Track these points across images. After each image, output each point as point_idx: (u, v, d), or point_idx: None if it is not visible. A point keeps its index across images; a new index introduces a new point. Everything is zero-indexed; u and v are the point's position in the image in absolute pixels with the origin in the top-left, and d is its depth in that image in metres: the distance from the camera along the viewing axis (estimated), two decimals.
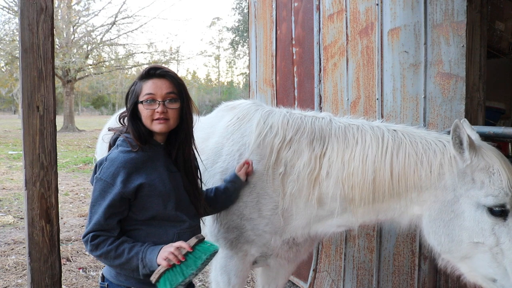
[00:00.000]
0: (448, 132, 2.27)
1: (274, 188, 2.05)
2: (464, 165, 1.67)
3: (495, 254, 1.60)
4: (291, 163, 2.01)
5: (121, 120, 1.82)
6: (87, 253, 4.61)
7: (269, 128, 2.09)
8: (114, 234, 1.62)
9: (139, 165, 1.65)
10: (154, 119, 1.68)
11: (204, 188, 2.06)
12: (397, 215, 1.87)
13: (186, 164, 1.83)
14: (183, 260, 1.53)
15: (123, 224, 1.67)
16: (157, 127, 1.70)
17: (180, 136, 1.79)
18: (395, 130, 1.90)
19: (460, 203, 1.67)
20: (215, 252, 1.60)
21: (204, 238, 1.62)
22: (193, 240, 1.57)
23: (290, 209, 2.05)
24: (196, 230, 1.81)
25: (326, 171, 1.93)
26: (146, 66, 1.80)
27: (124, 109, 1.84)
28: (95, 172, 1.68)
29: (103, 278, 1.76)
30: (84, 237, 1.62)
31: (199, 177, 1.93)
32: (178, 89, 1.74)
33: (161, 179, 1.69)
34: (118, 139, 1.74)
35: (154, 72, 1.71)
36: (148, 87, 1.68)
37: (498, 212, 1.59)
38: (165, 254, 1.53)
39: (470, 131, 1.83)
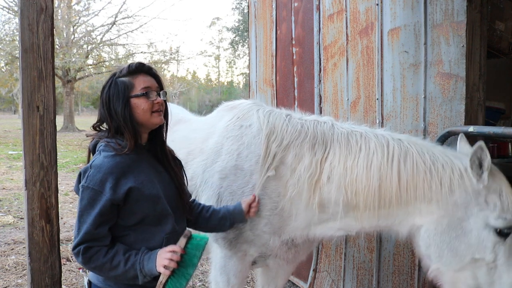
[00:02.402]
0: (448, 133, 2.28)
1: (272, 189, 2.05)
2: (480, 186, 1.71)
3: (490, 269, 1.68)
4: (292, 167, 2.00)
5: (97, 128, 1.75)
6: None
7: (272, 130, 2.09)
8: (106, 242, 1.58)
9: (125, 169, 1.60)
10: (153, 111, 1.68)
11: (201, 199, 2.08)
12: (397, 223, 1.88)
13: (169, 157, 1.83)
14: (180, 261, 1.54)
15: (111, 231, 1.62)
16: (157, 119, 1.69)
17: (164, 129, 1.80)
18: (400, 139, 1.90)
19: (469, 221, 1.71)
20: (206, 244, 1.60)
21: (191, 234, 1.60)
22: (182, 241, 1.57)
23: (289, 210, 2.05)
24: (182, 232, 1.78)
25: (327, 176, 1.92)
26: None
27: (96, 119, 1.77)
28: (79, 181, 1.61)
29: (89, 284, 1.71)
30: (74, 248, 1.55)
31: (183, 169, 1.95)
32: (161, 83, 1.77)
33: (150, 181, 1.65)
34: (99, 145, 1.67)
35: (142, 68, 1.71)
36: (142, 81, 1.68)
37: (504, 233, 1.66)
38: (163, 262, 1.52)
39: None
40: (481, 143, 1.65)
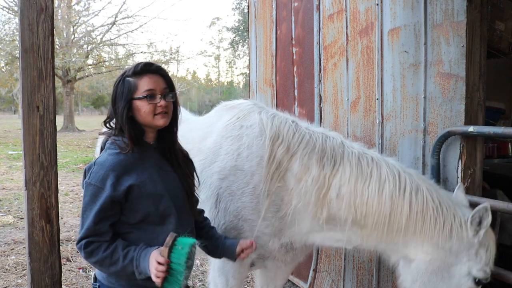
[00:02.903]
0: (448, 133, 2.28)
1: (274, 191, 2.04)
2: (475, 240, 1.81)
3: None
4: (298, 176, 2.00)
5: (107, 124, 1.76)
6: None
7: (277, 134, 2.08)
8: (106, 238, 1.59)
9: (128, 167, 1.62)
10: (155, 114, 1.67)
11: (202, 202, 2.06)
12: (394, 250, 1.96)
13: (180, 156, 1.82)
14: (169, 268, 1.51)
15: (115, 227, 1.64)
16: (160, 121, 1.68)
17: (173, 129, 1.79)
18: (410, 173, 1.95)
19: (456, 268, 1.85)
20: (192, 250, 1.54)
21: (173, 242, 1.53)
22: (165, 251, 1.51)
23: (292, 216, 2.04)
24: (185, 232, 1.74)
25: (336, 193, 1.94)
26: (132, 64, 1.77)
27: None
28: (85, 177, 1.64)
29: (95, 278, 1.75)
30: (77, 243, 1.60)
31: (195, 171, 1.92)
32: (170, 83, 1.75)
33: (152, 180, 1.65)
34: (106, 142, 1.71)
35: (149, 68, 1.69)
36: (147, 82, 1.66)
37: (480, 283, 1.83)
38: (154, 271, 1.50)
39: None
40: (487, 205, 1.77)
